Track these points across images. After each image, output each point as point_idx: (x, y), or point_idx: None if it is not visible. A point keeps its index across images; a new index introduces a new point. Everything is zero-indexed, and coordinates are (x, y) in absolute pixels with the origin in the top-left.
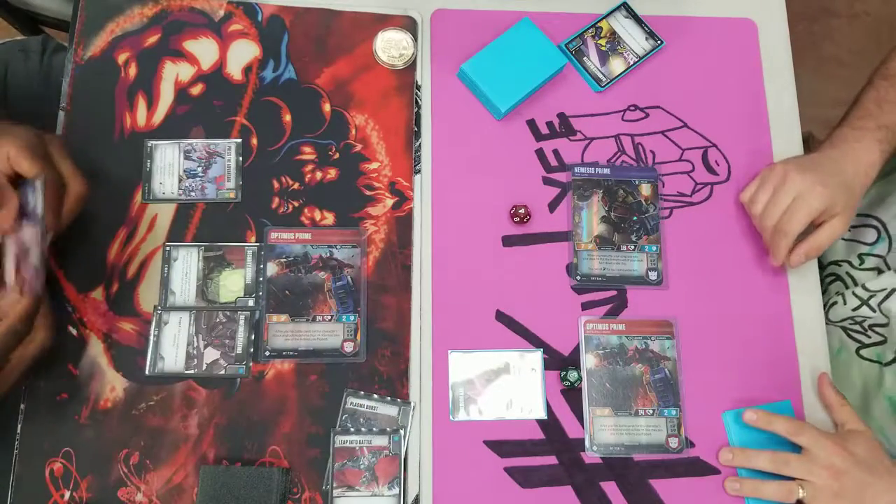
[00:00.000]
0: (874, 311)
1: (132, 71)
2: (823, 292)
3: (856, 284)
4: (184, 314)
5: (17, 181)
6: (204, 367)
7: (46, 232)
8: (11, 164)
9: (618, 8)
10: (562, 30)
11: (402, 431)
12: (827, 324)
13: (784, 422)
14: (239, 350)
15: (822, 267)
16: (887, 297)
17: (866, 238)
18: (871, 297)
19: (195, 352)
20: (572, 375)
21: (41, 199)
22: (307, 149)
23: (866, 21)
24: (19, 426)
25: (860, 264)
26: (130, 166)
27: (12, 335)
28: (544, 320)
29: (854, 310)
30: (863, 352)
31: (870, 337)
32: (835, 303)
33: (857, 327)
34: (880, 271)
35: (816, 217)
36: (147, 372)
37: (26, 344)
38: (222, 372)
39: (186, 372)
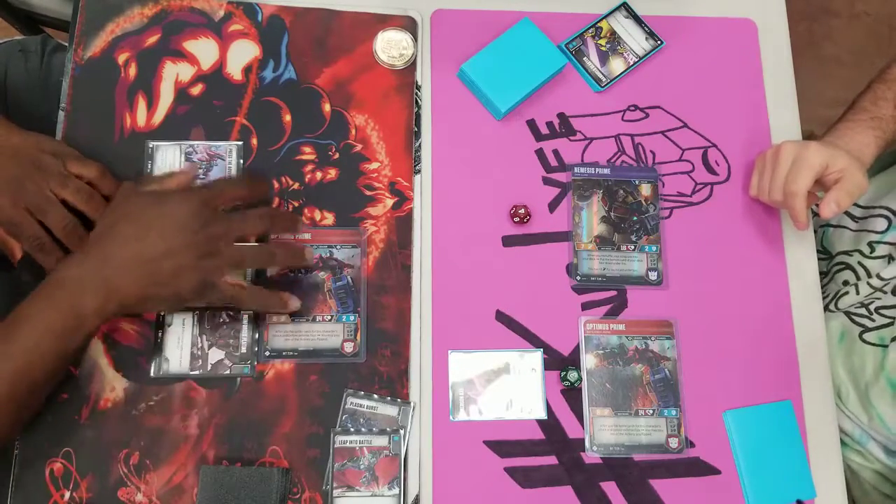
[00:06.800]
0: (885, 293)
1: (132, 71)
2: (831, 282)
3: (869, 275)
4: (187, 315)
5: None
6: (209, 367)
7: None
8: (97, 186)
9: (618, 8)
10: (562, 30)
11: (402, 431)
12: (833, 310)
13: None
14: (243, 349)
15: (831, 257)
16: None
17: (876, 227)
18: (885, 284)
19: (199, 352)
20: (572, 375)
21: None
22: (307, 149)
23: (866, 21)
24: None
25: (871, 252)
26: (130, 167)
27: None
28: (544, 320)
29: (867, 296)
30: (866, 336)
31: (874, 321)
32: (846, 293)
33: (862, 310)
34: (892, 258)
35: (822, 174)
36: (152, 374)
37: None
38: (227, 371)
39: (192, 373)
